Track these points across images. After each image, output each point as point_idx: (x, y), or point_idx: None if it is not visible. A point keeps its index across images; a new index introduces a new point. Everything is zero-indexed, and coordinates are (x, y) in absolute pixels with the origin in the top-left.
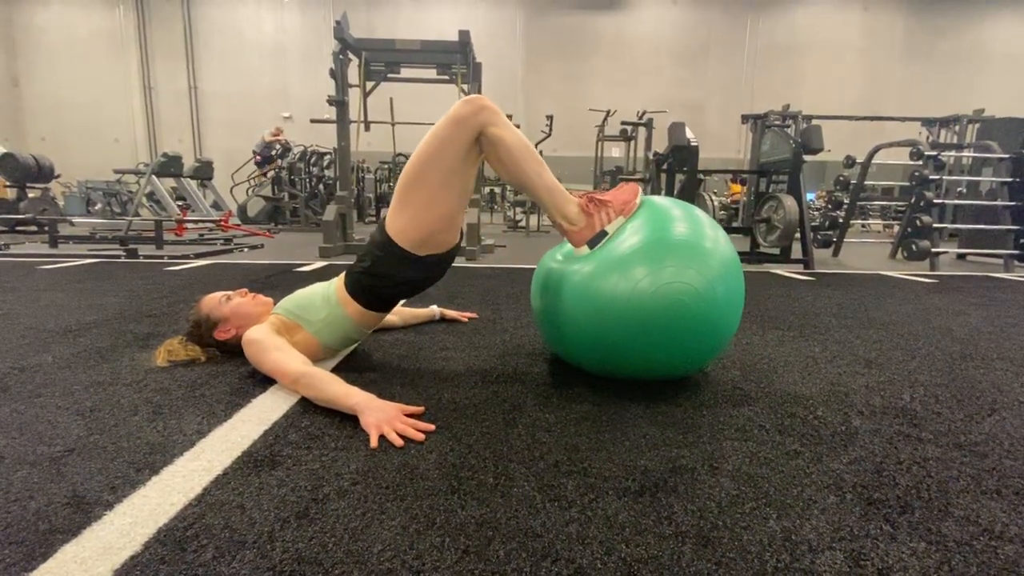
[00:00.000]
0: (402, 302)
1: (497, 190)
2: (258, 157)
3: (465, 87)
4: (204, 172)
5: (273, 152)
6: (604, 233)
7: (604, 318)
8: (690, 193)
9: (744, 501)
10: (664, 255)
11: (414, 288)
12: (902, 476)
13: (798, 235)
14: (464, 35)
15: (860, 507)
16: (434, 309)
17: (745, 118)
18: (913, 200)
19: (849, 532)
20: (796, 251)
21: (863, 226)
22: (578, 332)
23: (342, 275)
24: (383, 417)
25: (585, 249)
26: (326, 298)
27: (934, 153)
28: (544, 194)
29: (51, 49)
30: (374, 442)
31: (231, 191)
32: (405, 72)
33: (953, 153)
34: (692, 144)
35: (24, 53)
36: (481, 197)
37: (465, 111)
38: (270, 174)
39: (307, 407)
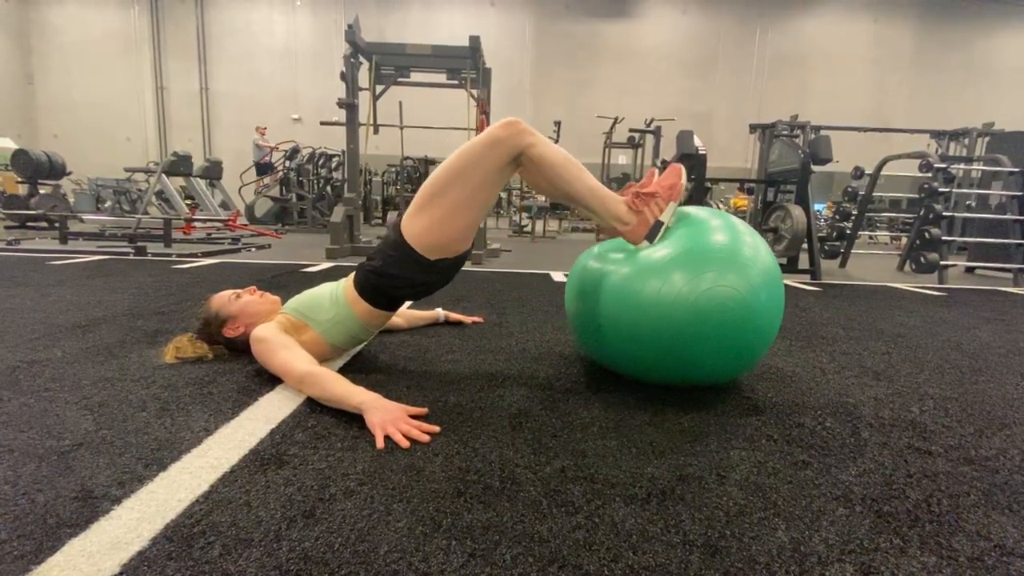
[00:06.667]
0: (407, 304)
1: (503, 195)
2: (263, 161)
3: (474, 92)
4: (213, 172)
5: (269, 157)
6: (660, 223)
7: (647, 322)
8: (698, 201)
9: (752, 511)
10: (706, 262)
11: (424, 289)
12: (912, 489)
13: (805, 245)
14: (474, 40)
15: (870, 519)
16: (438, 312)
17: (753, 127)
18: (922, 212)
19: (859, 545)
20: (803, 261)
21: (870, 238)
22: (617, 334)
23: (351, 275)
24: (388, 417)
25: (646, 244)
26: (334, 298)
27: (944, 165)
28: (591, 201)
29: (65, 48)
30: (380, 442)
31: (239, 191)
32: (415, 76)
33: (962, 166)
34: (700, 152)
35: (39, 51)
36: None
37: (504, 133)
38: (267, 180)
39: (314, 407)
